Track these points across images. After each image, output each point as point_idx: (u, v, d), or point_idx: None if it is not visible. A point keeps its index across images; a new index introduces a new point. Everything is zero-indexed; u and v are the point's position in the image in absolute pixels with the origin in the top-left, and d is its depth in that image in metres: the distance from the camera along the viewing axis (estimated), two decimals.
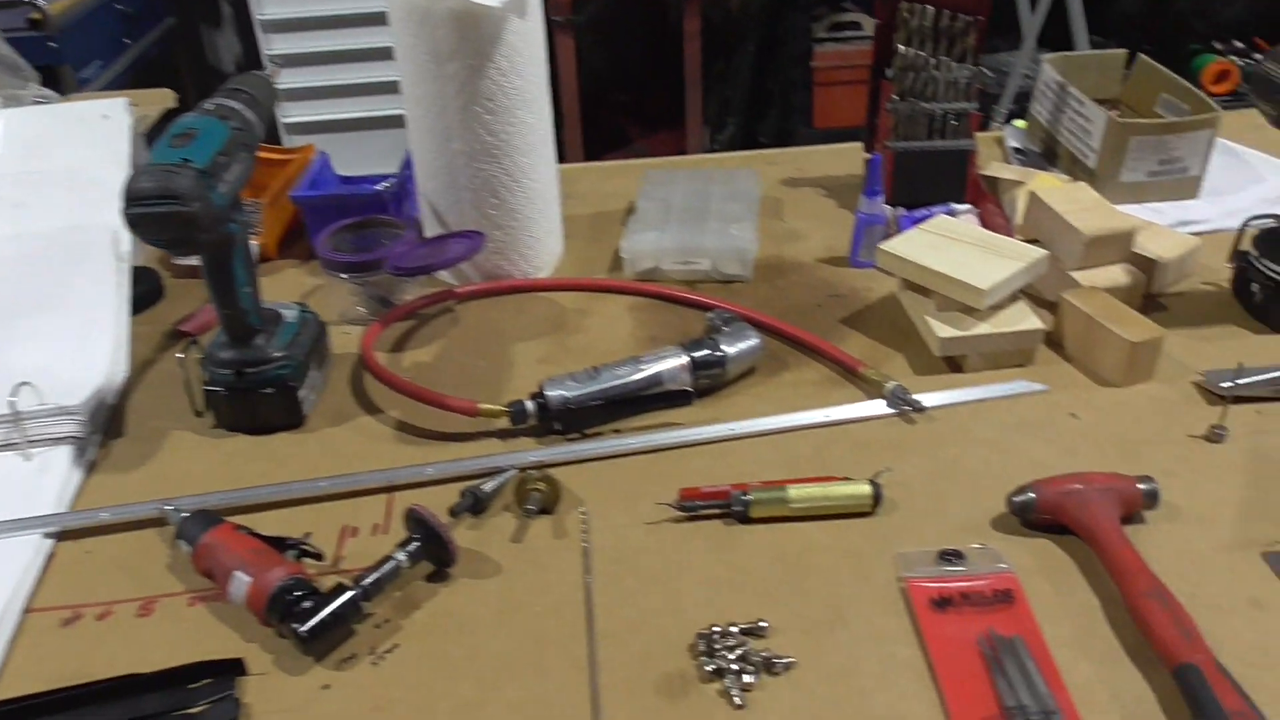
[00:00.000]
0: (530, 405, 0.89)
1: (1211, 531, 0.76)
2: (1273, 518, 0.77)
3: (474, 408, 0.89)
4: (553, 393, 0.89)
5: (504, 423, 0.90)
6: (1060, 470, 0.82)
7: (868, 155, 1.25)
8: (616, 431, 0.91)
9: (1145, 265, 1.01)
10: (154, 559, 0.79)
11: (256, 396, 0.90)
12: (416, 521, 0.76)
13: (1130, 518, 0.76)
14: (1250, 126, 1.38)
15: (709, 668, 0.67)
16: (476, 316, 1.09)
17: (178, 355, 0.90)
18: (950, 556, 0.74)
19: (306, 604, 0.70)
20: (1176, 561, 0.73)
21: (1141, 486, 0.76)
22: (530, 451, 0.88)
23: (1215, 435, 0.84)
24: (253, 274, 0.87)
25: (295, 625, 0.69)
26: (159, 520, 0.81)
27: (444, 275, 1.13)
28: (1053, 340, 0.97)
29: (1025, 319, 0.94)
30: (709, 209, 1.19)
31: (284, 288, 1.15)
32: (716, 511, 0.80)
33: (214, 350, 0.89)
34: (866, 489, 0.79)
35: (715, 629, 0.70)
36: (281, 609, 0.70)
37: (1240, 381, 0.87)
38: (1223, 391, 0.88)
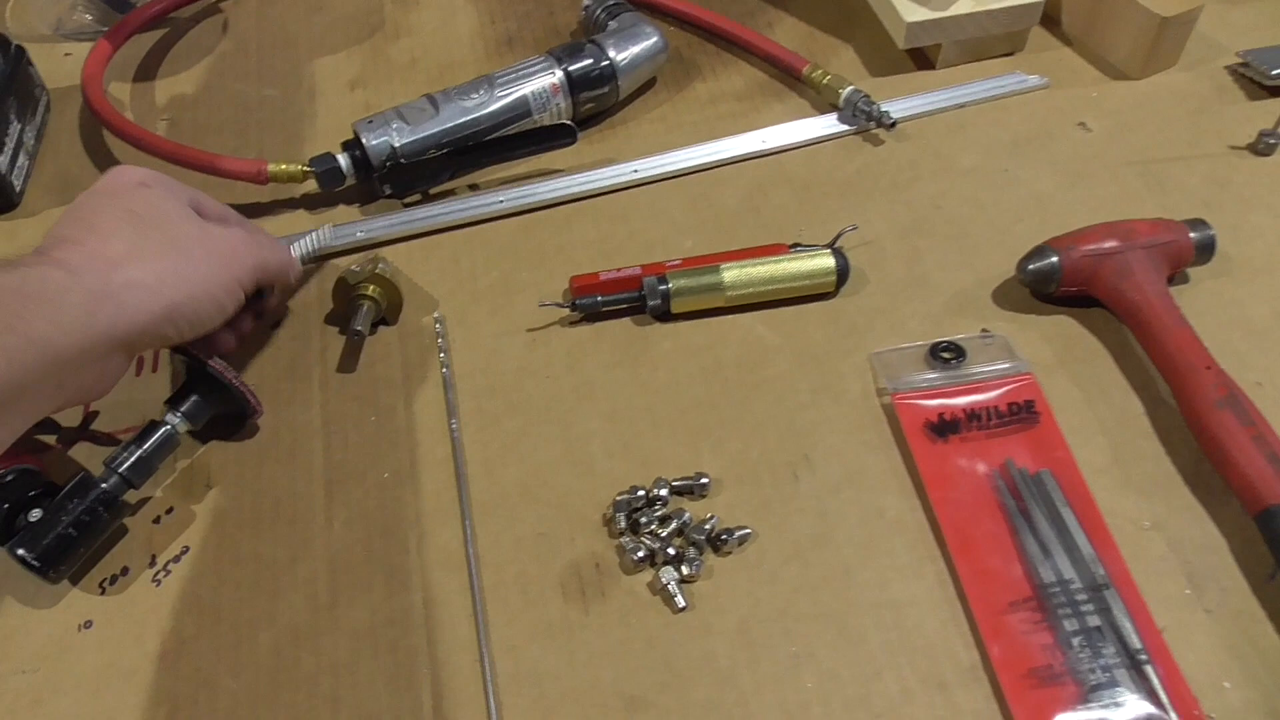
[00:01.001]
0: (344, 160, 0.62)
1: (1272, 288, 0.57)
2: None
3: (262, 170, 0.62)
4: (374, 140, 0.62)
5: (310, 187, 0.63)
6: (1071, 208, 0.62)
7: None
8: (472, 189, 0.65)
9: None
10: None
11: None
12: (190, 368, 0.52)
13: (1172, 277, 0.57)
14: None
15: (636, 554, 0.48)
16: (254, 20, 0.77)
17: None
18: (945, 353, 0.54)
19: (34, 512, 0.47)
20: (1235, 337, 0.55)
21: (1194, 236, 0.56)
22: (353, 225, 0.62)
23: (1265, 145, 0.64)
24: None
25: (21, 550, 0.47)
26: None
27: None
28: (1044, 15, 0.73)
29: None
30: None
31: None
32: (624, 307, 0.58)
33: None
34: (828, 262, 0.57)
35: (638, 491, 0.50)
36: None
37: None
38: (1275, 80, 0.67)
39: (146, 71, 0.73)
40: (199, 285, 0.47)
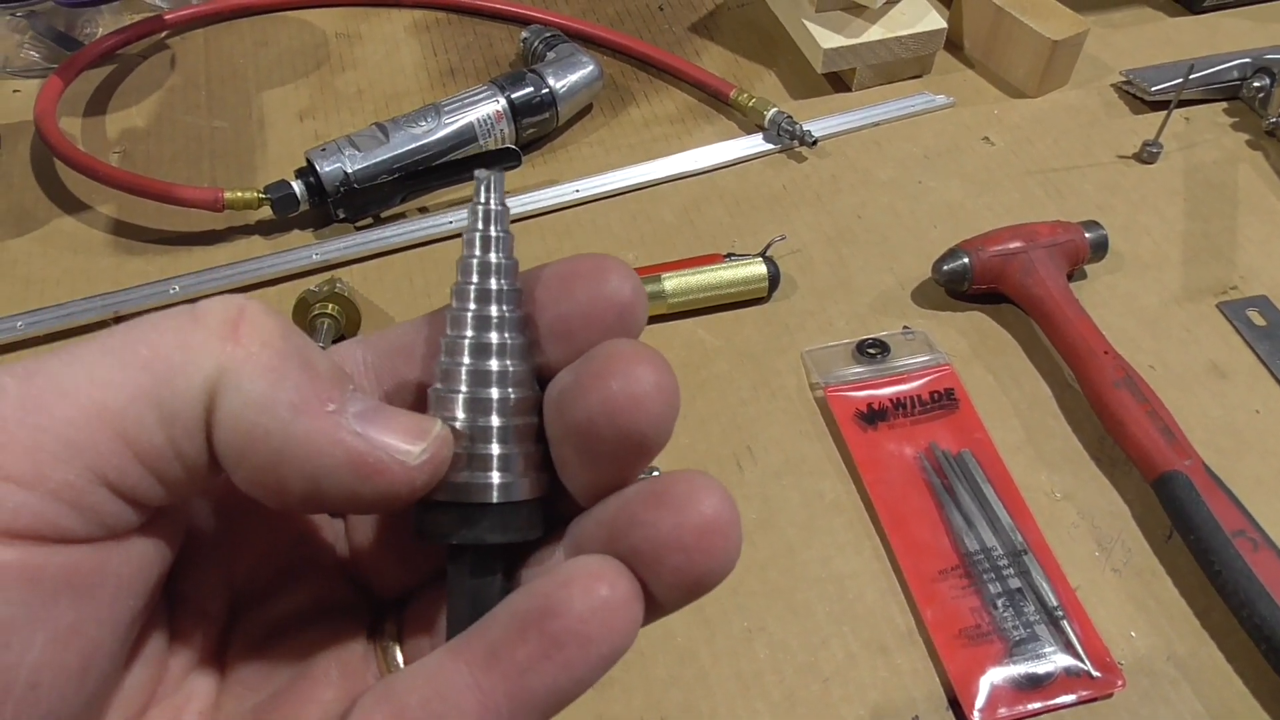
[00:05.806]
0: (298, 187, 0.65)
1: (1160, 281, 0.64)
2: (1220, 254, 0.65)
3: (218, 198, 0.64)
4: (327, 167, 0.65)
5: (264, 214, 0.66)
6: (979, 214, 0.67)
7: None
8: (422, 211, 0.68)
9: None
10: None
11: None
12: None
13: (1071, 274, 0.63)
14: None
15: None
16: (202, 55, 0.80)
17: None
18: (871, 349, 0.59)
19: None
20: (1129, 325, 0.61)
21: (1089, 235, 0.62)
22: (308, 248, 0.65)
23: (1148, 154, 0.71)
24: None
25: None
26: None
27: None
28: (948, 40, 0.79)
29: (925, 16, 0.75)
30: None
31: None
32: None
33: None
34: (760, 269, 0.61)
35: None
36: None
37: (1173, 83, 0.72)
38: (1155, 96, 0.73)
39: (97, 106, 0.75)
40: None
